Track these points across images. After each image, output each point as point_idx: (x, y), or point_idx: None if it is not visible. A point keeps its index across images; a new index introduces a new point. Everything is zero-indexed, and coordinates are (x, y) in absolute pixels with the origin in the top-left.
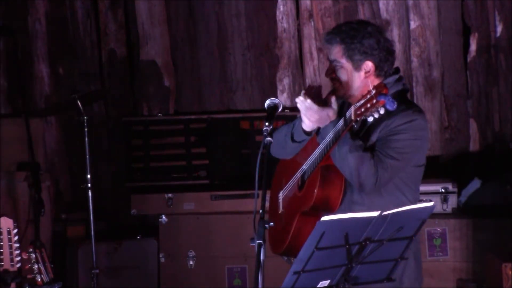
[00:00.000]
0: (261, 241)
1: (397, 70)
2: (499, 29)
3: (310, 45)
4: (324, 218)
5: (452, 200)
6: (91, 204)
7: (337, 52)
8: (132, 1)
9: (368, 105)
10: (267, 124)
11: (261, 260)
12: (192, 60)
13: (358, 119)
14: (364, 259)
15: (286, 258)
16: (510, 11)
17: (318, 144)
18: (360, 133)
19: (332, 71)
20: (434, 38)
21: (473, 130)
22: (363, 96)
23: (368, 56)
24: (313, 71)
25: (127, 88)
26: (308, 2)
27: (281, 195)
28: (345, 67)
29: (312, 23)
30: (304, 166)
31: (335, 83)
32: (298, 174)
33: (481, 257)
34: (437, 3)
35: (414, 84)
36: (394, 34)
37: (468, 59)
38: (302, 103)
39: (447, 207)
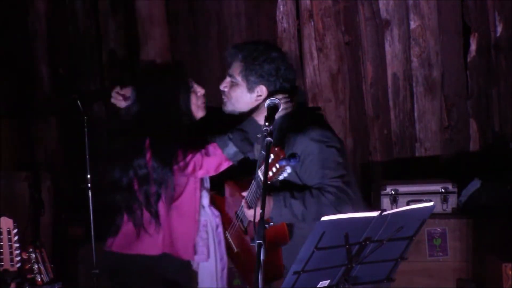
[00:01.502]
0: (261, 241)
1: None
2: (499, 29)
3: (310, 45)
4: (324, 218)
5: (452, 200)
6: (91, 204)
7: (235, 68)
8: (132, 1)
9: (274, 170)
10: (267, 124)
11: (261, 260)
12: (192, 60)
13: (269, 182)
14: (364, 259)
15: None
16: (510, 11)
17: (239, 193)
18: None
19: (226, 85)
20: (434, 38)
21: (473, 130)
22: (266, 160)
23: (263, 81)
24: (313, 71)
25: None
26: (308, 2)
27: (228, 235)
28: (239, 85)
29: (312, 23)
30: (239, 213)
31: (224, 97)
32: (236, 221)
33: (481, 257)
34: (437, 3)
35: (414, 84)
36: (394, 34)
37: (468, 59)
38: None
39: (447, 207)
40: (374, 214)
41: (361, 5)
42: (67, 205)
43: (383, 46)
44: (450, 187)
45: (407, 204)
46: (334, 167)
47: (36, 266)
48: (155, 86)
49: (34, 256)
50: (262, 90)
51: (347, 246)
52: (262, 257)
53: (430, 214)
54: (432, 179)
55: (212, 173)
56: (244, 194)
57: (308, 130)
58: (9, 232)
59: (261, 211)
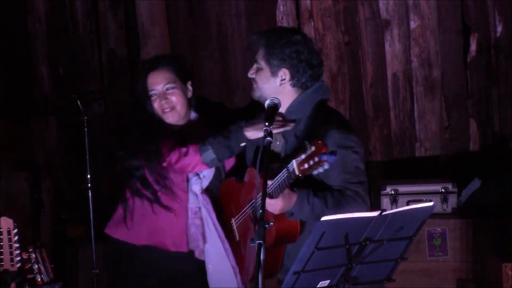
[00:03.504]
0: (261, 241)
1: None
2: (499, 29)
3: None
4: (324, 218)
5: (452, 200)
6: (91, 204)
7: (260, 54)
8: (132, 1)
9: (311, 162)
10: (267, 124)
11: (261, 260)
12: (192, 60)
13: (301, 175)
14: (364, 259)
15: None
16: (510, 11)
17: (260, 183)
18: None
19: (253, 72)
20: (434, 38)
21: (473, 130)
22: (302, 151)
23: (285, 64)
24: None
25: (127, 88)
26: (308, 2)
27: (234, 223)
28: (264, 69)
29: (312, 23)
30: (253, 203)
31: (253, 83)
32: (248, 209)
33: (481, 257)
34: (437, 3)
35: (414, 84)
36: (394, 34)
37: (468, 59)
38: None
39: (447, 207)
40: (374, 214)
41: (361, 5)
42: (67, 205)
43: (383, 46)
44: (450, 187)
45: (407, 204)
46: (356, 172)
47: (36, 266)
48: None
49: (34, 256)
50: (285, 73)
51: (347, 246)
52: (262, 257)
53: (430, 214)
54: (432, 179)
55: (187, 173)
56: (270, 182)
57: (333, 131)
58: (9, 232)
59: (279, 204)
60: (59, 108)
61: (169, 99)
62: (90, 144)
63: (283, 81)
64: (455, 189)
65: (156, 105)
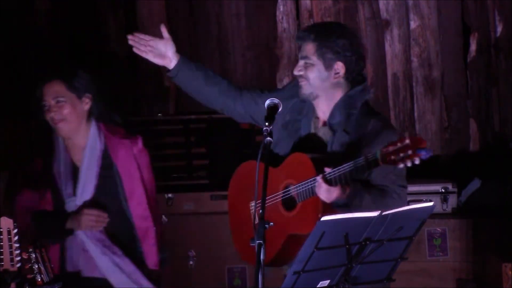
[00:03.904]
0: (261, 241)
1: (364, 78)
2: (499, 29)
3: None
4: (324, 218)
5: (452, 200)
6: None
7: (309, 49)
8: (132, 1)
9: (402, 155)
10: (267, 124)
11: (261, 260)
12: (192, 60)
13: (383, 164)
14: (364, 259)
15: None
16: (510, 11)
17: (310, 167)
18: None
19: (301, 68)
20: (434, 38)
21: (473, 130)
22: (393, 143)
23: (340, 57)
24: None
25: (127, 88)
26: (308, 2)
27: (254, 207)
28: (316, 65)
29: (312, 23)
30: (294, 188)
31: (302, 80)
32: (280, 192)
33: (481, 257)
34: (437, 3)
35: (414, 84)
36: (394, 34)
37: (468, 59)
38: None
39: (447, 207)
40: (374, 214)
41: (361, 5)
42: None
43: (383, 46)
44: (450, 187)
45: (407, 204)
46: (401, 176)
47: (36, 266)
48: None
49: (34, 256)
50: (339, 66)
51: (347, 246)
52: (262, 257)
53: (430, 214)
54: (432, 179)
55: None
56: (328, 169)
57: (388, 131)
58: (9, 232)
59: (337, 192)
60: None
61: (58, 112)
62: None
63: (337, 75)
64: (455, 189)
65: (47, 116)
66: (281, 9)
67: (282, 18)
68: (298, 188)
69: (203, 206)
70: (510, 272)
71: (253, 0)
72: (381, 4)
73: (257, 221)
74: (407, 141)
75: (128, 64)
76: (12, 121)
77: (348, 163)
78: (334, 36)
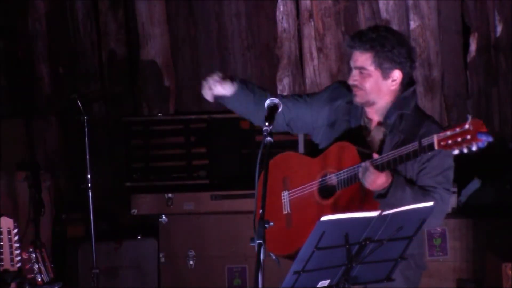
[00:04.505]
0: (261, 241)
1: (412, 81)
2: (499, 29)
3: (310, 45)
4: (324, 218)
5: (452, 200)
6: (91, 204)
7: (364, 59)
8: (132, 1)
9: (459, 139)
10: (267, 124)
11: (261, 260)
12: (192, 60)
13: (438, 149)
14: (364, 259)
15: (274, 257)
16: (510, 11)
17: (355, 154)
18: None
19: (356, 78)
20: (434, 38)
21: None
22: (451, 128)
23: (397, 65)
24: (313, 71)
25: (127, 88)
26: (308, 2)
27: (287, 195)
28: (373, 75)
29: (312, 23)
30: (335, 176)
31: (356, 90)
32: (317, 181)
33: (481, 257)
34: (437, 3)
35: None
36: None
37: (468, 59)
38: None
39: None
40: (374, 214)
41: (361, 5)
42: (67, 205)
43: None
44: None
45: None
46: (449, 180)
47: (36, 266)
48: None
49: (34, 256)
50: (396, 74)
51: (347, 246)
52: (262, 257)
53: (430, 214)
54: None
55: None
56: (376, 155)
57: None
58: (9, 232)
59: (381, 179)
60: (59, 108)
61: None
62: (90, 144)
63: (394, 82)
64: (455, 189)
65: None
66: (281, 9)
67: (282, 18)
68: (339, 175)
69: (203, 206)
70: (510, 272)
71: (253, 0)
72: (381, 4)
73: (287, 211)
74: (467, 126)
75: (128, 64)
76: (12, 121)
77: (400, 149)
78: (389, 45)
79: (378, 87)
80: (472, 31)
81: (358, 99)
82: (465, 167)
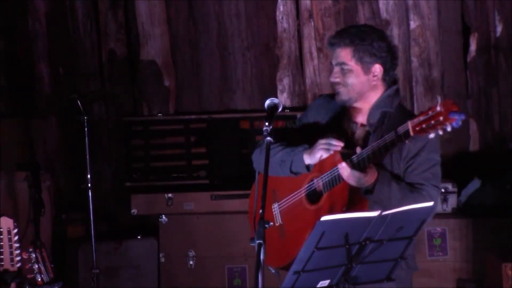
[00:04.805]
0: (261, 241)
1: (395, 80)
2: (499, 29)
3: (310, 45)
4: (324, 218)
5: (452, 200)
6: (91, 204)
7: (345, 54)
8: (132, 1)
9: (433, 122)
10: (267, 124)
11: (261, 260)
12: (192, 60)
13: (414, 135)
14: (364, 259)
15: (274, 270)
16: (510, 11)
17: (337, 157)
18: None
19: (338, 75)
20: (434, 38)
21: (473, 130)
22: (424, 113)
23: (378, 59)
24: (313, 71)
25: (127, 88)
26: (308, 2)
27: (277, 207)
28: (354, 70)
29: (312, 23)
30: (319, 179)
31: (339, 87)
32: (304, 187)
33: (481, 257)
34: (437, 3)
35: (414, 84)
36: (394, 34)
37: (468, 59)
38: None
39: (447, 207)
40: (374, 214)
41: (361, 5)
42: (67, 205)
43: None
44: (450, 187)
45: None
46: (437, 176)
47: (36, 266)
48: None
49: (34, 256)
50: (377, 68)
51: (347, 246)
52: (262, 257)
53: (429, 214)
54: None
55: None
56: (359, 149)
57: None
58: (9, 232)
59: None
60: (59, 108)
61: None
62: (90, 144)
63: (375, 77)
64: (455, 189)
65: None
66: (281, 9)
67: (282, 18)
68: (323, 178)
69: (203, 206)
70: (510, 272)
71: (253, 0)
72: (381, 4)
73: (278, 223)
74: (438, 108)
75: (128, 64)
76: (12, 121)
77: (377, 141)
78: (369, 39)
79: (360, 83)
80: (472, 31)
81: (342, 96)
82: (465, 167)
